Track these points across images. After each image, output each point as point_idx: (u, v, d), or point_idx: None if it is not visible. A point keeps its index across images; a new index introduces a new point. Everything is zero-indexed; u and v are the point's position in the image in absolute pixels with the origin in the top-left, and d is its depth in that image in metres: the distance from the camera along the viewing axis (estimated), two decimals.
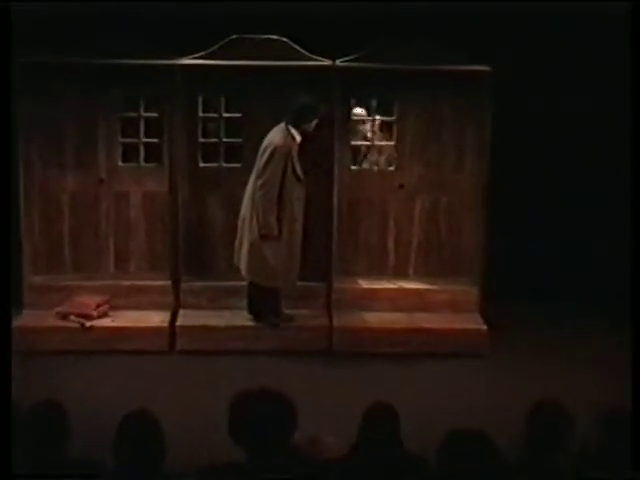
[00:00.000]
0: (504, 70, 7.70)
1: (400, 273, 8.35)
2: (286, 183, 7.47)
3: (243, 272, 7.71)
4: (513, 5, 7.82)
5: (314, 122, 7.56)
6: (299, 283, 7.83)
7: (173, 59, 7.74)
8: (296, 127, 7.52)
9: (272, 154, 7.43)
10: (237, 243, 7.73)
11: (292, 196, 7.53)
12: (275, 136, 7.51)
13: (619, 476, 4.22)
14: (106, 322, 7.78)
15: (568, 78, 8.40)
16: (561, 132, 8.56)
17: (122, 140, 8.08)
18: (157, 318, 7.88)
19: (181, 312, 7.98)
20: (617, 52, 7.38)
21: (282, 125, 7.54)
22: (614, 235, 8.17)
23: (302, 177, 7.57)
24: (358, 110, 8.18)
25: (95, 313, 7.76)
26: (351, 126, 8.15)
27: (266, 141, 7.53)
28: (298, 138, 7.53)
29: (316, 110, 7.54)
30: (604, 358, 7.63)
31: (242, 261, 7.69)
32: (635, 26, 6.12)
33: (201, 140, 8.08)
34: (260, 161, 7.50)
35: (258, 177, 7.50)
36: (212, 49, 7.74)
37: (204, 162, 8.13)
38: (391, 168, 8.26)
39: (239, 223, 7.70)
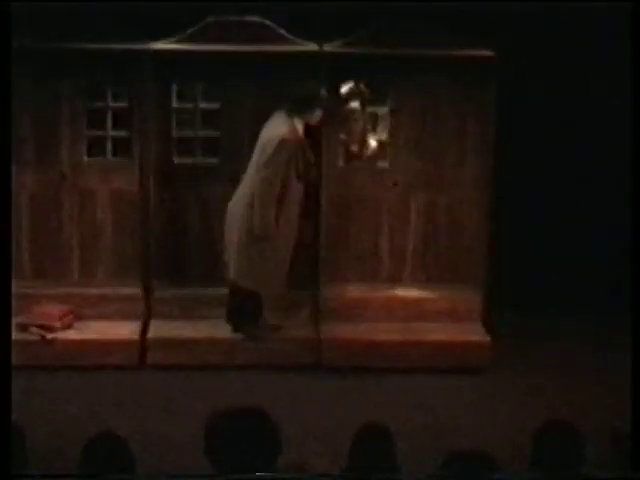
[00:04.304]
0: (509, 55, 7.68)
1: (395, 279, 8.33)
2: (289, 181, 7.45)
3: (231, 275, 7.68)
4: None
5: (318, 113, 7.53)
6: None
7: (144, 43, 7.73)
8: (299, 119, 7.49)
9: (279, 147, 7.34)
10: (225, 243, 7.70)
11: (291, 196, 7.52)
12: (279, 128, 7.43)
13: (619, 476, 4.31)
14: (70, 334, 7.77)
15: (579, 66, 8.44)
16: (572, 124, 8.57)
17: (87, 133, 8.05)
18: (126, 329, 7.87)
19: (153, 323, 7.98)
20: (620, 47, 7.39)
21: (283, 115, 7.48)
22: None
23: (302, 175, 7.53)
24: (354, 104, 8.19)
25: (58, 324, 7.75)
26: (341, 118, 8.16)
27: (267, 133, 7.45)
28: (301, 131, 7.50)
29: (321, 99, 7.50)
30: (619, 374, 7.64)
31: (230, 263, 7.68)
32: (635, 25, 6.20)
33: (175, 133, 8.08)
34: (262, 155, 7.42)
35: (259, 171, 7.43)
36: (187, 32, 7.73)
37: (178, 157, 8.12)
38: (384, 164, 8.25)
39: (227, 221, 7.68)
